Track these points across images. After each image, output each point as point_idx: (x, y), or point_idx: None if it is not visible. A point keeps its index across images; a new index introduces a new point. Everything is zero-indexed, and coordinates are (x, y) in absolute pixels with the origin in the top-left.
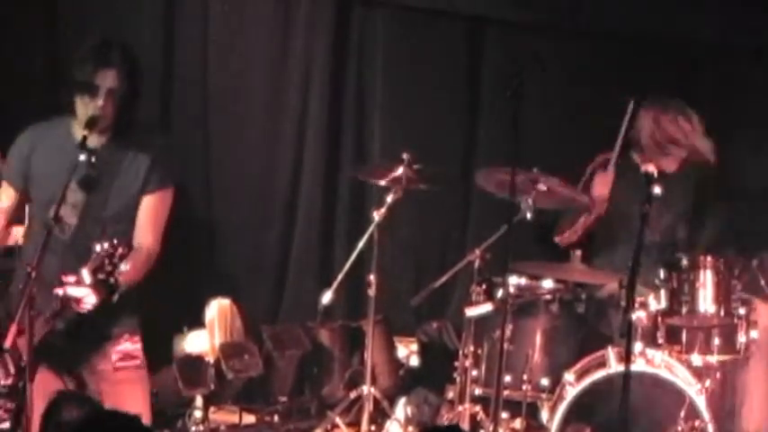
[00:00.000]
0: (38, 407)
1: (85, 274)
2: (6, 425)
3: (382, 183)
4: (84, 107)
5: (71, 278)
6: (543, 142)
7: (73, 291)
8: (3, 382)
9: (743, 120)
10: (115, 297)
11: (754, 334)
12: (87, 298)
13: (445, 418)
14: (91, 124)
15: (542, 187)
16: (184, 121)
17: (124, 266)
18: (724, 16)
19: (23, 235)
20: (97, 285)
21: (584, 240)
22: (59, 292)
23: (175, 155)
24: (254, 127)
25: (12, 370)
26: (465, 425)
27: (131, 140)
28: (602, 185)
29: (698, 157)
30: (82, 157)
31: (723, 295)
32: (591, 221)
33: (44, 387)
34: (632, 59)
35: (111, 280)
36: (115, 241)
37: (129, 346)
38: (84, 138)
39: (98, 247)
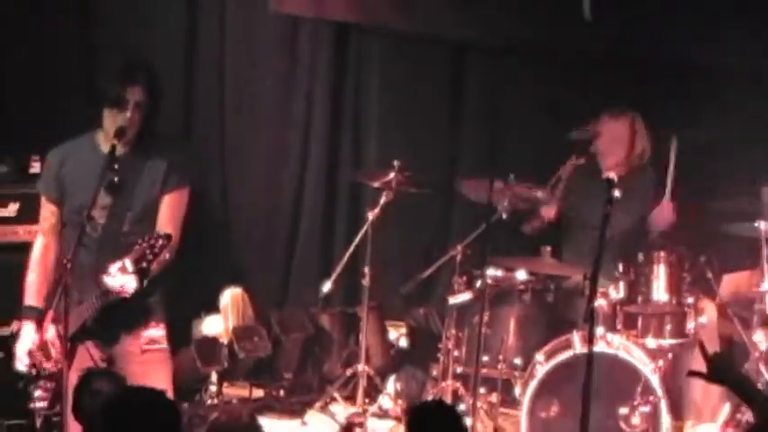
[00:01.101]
0: (73, 383)
1: (128, 264)
2: (44, 404)
3: (376, 186)
4: (113, 119)
5: (116, 266)
6: (518, 152)
7: (118, 278)
8: (46, 366)
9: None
10: (144, 283)
11: (701, 320)
12: (129, 285)
13: (430, 393)
14: (120, 134)
15: (515, 191)
16: (205, 132)
17: (163, 257)
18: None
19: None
20: (138, 273)
21: (547, 230)
22: (106, 279)
23: (195, 161)
24: (264, 137)
25: (55, 355)
26: (448, 399)
27: (151, 148)
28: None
29: (642, 159)
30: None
31: (674, 286)
32: (551, 214)
33: (80, 365)
34: (596, 77)
35: (150, 268)
36: (156, 235)
37: (155, 332)
38: (113, 146)
39: (140, 240)
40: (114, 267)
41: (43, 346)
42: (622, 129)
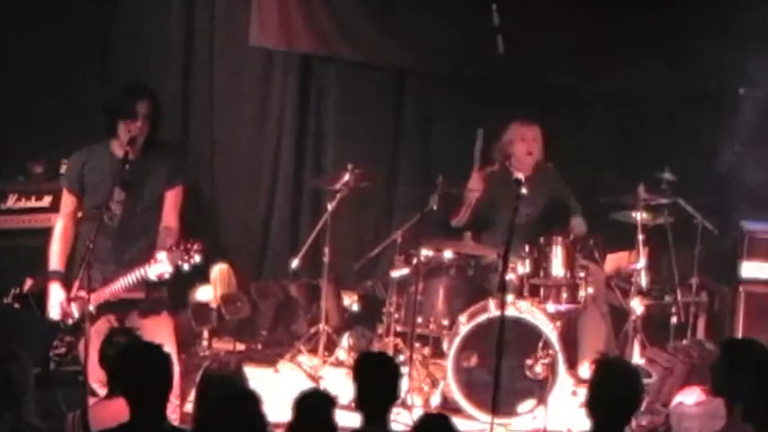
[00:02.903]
0: (96, 345)
1: (164, 256)
2: (63, 350)
3: (334, 184)
4: (127, 128)
5: (159, 256)
6: (446, 159)
7: (159, 267)
8: (67, 320)
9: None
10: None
11: (590, 290)
12: (166, 274)
13: (376, 347)
14: (132, 142)
15: (442, 190)
16: (198, 140)
17: (197, 258)
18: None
19: (80, 223)
20: (175, 268)
21: (470, 220)
22: (152, 266)
23: (189, 164)
24: (245, 146)
25: (76, 314)
26: (390, 351)
27: (155, 154)
28: (475, 181)
29: (544, 161)
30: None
31: (569, 263)
32: (471, 207)
33: (100, 330)
34: (507, 97)
35: (186, 266)
36: (192, 242)
37: (162, 302)
38: (126, 152)
39: (181, 243)
40: (162, 255)
41: (68, 304)
42: (532, 133)
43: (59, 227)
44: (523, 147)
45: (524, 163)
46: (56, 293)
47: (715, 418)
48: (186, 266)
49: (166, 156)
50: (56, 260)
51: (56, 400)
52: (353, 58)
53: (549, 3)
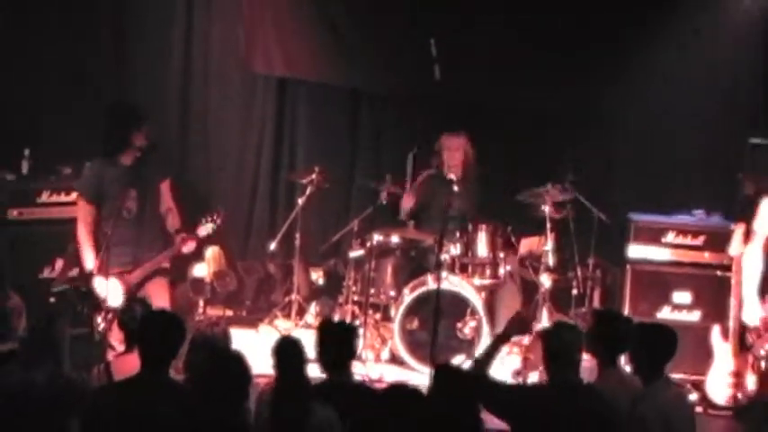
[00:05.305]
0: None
1: (208, 226)
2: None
3: (303, 182)
4: (140, 137)
5: (200, 231)
6: (394, 162)
7: (190, 244)
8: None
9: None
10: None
11: (508, 268)
12: (190, 250)
13: (338, 314)
14: (147, 149)
15: (390, 188)
16: (196, 148)
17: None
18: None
19: (103, 219)
20: (199, 243)
21: (415, 211)
22: (186, 245)
23: (189, 168)
24: (232, 151)
25: (120, 289)
26: (348, 317)
27: (149, 156)
28: (406, 201)
29: (471, 164)
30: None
31: (491, 246)
32: (411, 203)
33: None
34: (443, 113)
35: (211, 229)
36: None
37: (167, 270)
38: (137, 158)
39: (207, 215)
40: (204, 228)
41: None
42: (458, 142)
43: (84, 233)
44: (450, 154)
45: (452, 166)
46: (112, 284)
47: (594, 372)
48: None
49: (157, 156)
50: (90, 259)
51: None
52: (319, 79)
53: (477, 38)
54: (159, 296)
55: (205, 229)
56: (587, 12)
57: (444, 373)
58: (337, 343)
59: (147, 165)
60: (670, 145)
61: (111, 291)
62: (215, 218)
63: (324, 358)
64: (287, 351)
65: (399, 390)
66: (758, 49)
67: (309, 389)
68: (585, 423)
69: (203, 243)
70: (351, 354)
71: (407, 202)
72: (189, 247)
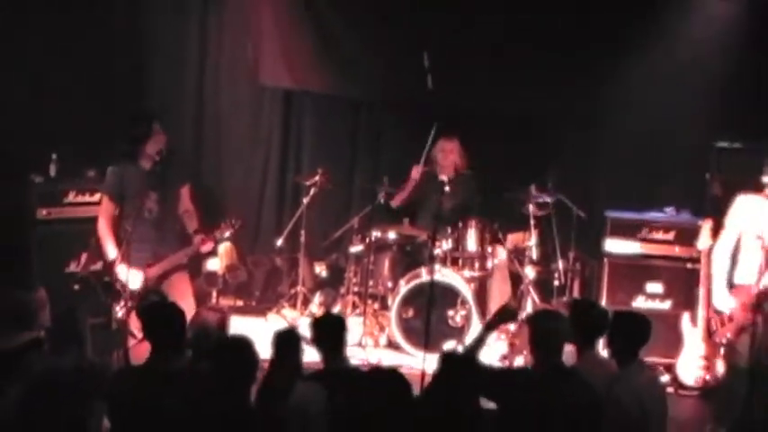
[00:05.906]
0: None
1: (226, 230)
2: (120, 314)
3: (308, 183)
4: (158, 141)
5: (218, 233)
6: (391, 165)
7: (209, 245)
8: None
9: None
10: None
11: (496, 261)
12: (208, 249)
13: (339, 304)
14: (164, 155)
15: (388, 189)
16: (209, 154)
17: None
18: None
19: (124, 218)
20: (216, 244)
21: (406, 206)
22: (204, 245)
23: (204, 171)
24: (243, 154)
25: (139, 278)
26: (349, 307)
27: (170, 160)
28: (415, 171)
29: (463, 166)
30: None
31: (480, 241)
32: (408, 193)
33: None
34: (432, 118)
35: (229, 233)
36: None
37: (185, 265)
38: (155, 162)
39: (228, 221)
40: (223, 231)
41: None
42: (451, 146)
43: (104, 225)
44: (443, 156)
45: (445, 167)
46: (133, 273)
47: (573, 356)
48: (230, 232)
49: (177, 161)
50: (112, 249)
51: (103, 342)
52: (322, 90)
53: (468, 48)
54: (184, 289)
55: (223, 232)
56: (587, 12)
57: (451, 361)
58: (327, 333)
59: (169, 169)
60: (645, 146)
61: (131, 277)
62: (233, 223)
63: (319, 347)
64: (282, 340)
65: (379, 372)
66: (726, 53)
67: (297, 371)
68: (570, 404)
69: (218, 243)
70: (340, 342)
71: (398, 199)
72: (207, 247)
